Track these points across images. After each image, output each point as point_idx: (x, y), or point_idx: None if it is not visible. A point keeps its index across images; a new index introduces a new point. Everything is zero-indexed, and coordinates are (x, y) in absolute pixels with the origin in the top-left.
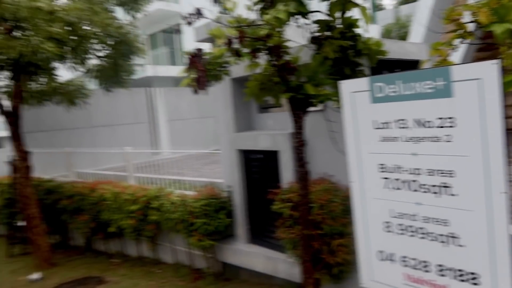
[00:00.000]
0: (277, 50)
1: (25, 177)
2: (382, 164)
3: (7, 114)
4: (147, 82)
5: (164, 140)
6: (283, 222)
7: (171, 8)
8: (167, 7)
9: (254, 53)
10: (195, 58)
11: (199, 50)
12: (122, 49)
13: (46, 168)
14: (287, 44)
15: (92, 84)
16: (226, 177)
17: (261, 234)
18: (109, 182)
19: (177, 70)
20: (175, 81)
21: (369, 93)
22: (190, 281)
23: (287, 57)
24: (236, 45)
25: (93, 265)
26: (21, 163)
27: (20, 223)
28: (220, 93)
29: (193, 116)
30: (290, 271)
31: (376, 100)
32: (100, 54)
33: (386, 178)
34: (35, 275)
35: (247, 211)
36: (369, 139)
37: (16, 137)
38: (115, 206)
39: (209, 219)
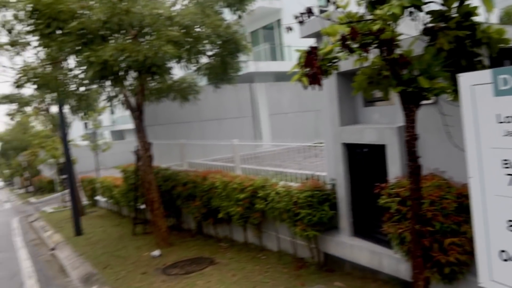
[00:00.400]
0: (389, 44)
1: (147, 165)
2: (506, 160)
3: (132, 109)
4: (249, 78)
5: (265, 134)
6: (390, 217)
7: (272, 5)
8: (269, 4)
9: (365, 48)
10: (311, 55)
11: (314, 48)
12: (230, 48)
13: (163, 157)
14: (399, 37)
15: (202, 81)
16: (330, 170)
17: (365, 228)
18: (219, 172)
19: (277, 66)
20: (276, 76)
21: (492, 85)
22: (293, 269)
23: (399, 51)
24: (348, 41)
25: (203, 247)
26: (144, 152)
27: (142, 206)
28: (325, 87)
29: (293, 110)
30: (396, 267)
31: (500, 93)
32: (210, 53)
33: (510, 174)
34: (156, 252)
35: (351, 204)
36: (491, 133)
37: (139, 129)
38: (224, 194)
39: (313, 210)
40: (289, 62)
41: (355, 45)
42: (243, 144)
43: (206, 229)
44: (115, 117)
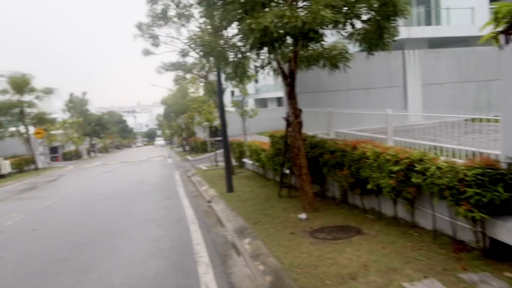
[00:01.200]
0: None
1: (297, 131)
2: None
3: (285, 76)
4: (399, 45)
5: (416, 105)
6: None
7: None
8: None
9: None
10: None
11: None
12: (388, 11)
13: (309, 125)
14: None
15: (352, 48)
16: (507, 147)
17: None
18: (370, 142)
19: (433, 31)
20: (430, 43)
21: None
22: (451, 251)
23: None
24: None
25: (348, 216)
26: (294, 119)
27: (287, 171)
28: (508, 53)
29: (451, 80)
30: None
31: None
32: (365, 17)
33: None
34: (302, 215)
35: None
36: None
37: (291, 96)
38: (375, 165)
39: (483, 190)
40: (448, 27)
41: None
42: (397, 114)
43: (351, 199)
44: (258, 86)
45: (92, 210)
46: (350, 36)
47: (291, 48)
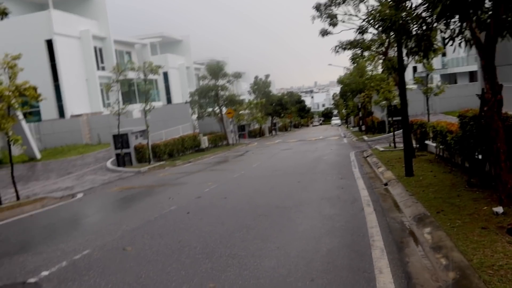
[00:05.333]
0: None
1: (495, 111)
2: None
3: (480, 47)
4: None
5: None
6: None
7: None
8: None
9: None
10: None
11: None
12: None
13: (510, 103)
14: None
15: None
16: None
17: None
18: None
19: None
20: None
21: None
22: None
23: None
24: None
25: None
26: (492, 96)
27: (479, 156)
28: None
29: None
30: None
31: None
32: None
33: None
34: (498, 208)
35: None
36: None
37: (488, 70)
38: None
39: None
40: None
41: None
42: None
43: None
44: (446, 59)
45: (272, 184)
46: None
47: (490, 13)
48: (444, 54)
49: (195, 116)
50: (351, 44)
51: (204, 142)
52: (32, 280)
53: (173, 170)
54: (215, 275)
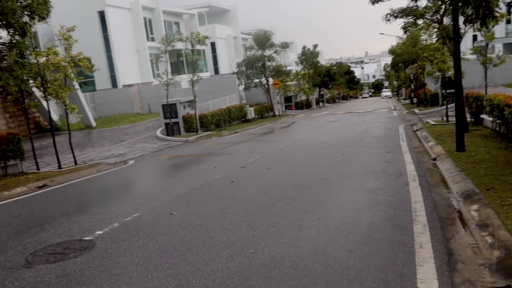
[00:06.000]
0: None
1: None
2: None
3: None
4: None
5: None
6: None
7: None
8: None
9: None
10: None
11: None
12: None
13: None
14: None
15: None
16: None
17: None
18: None
19: None
20: None
21: None
22: None
23: None
24: None
25: None
26: None
27: None
28: None
29: None
30: None
31: None
32: None
33: None
34: None
35: None
36: None
37: None
38: None
39: None
40: None
41: None
42: None
43: None
44: (510, 27)
45: (317, 156)
46: None
47: None
48: (508, 21)
49: (241, 87)
50: (403, 12)
51: (250, 113)
52: (87, 238)
53: (219, 140)
54: (255, 242)
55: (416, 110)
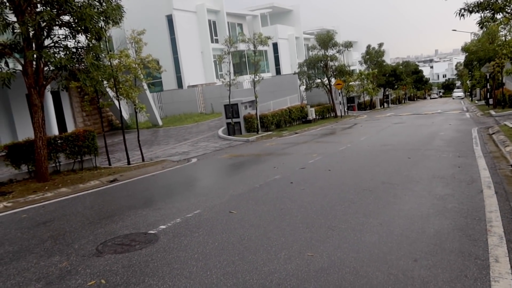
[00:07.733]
0: None
1: None
2: None
3: None
4: None
5: None
6: None
7: None
8: None
9: None
10: None
11: None
12: None
13: None
14: None
15: None
16: None
17: None
18: None
19: None
20: None
21: None
22: None
23: None
24: None
25: None
26: None
27: None
28: None
29: None
30: None
31: None
32: None
33: None
34: None
35: None
36: None
37: None
38: None
39: None
40: None
41: None
42: None
43: None
44: None
45: (380, 159)
46: None
47: None
48: None
49: (303, 87)
50: (479, 6)
51: (311, 113)
52: (152, 231)
53: (280, 140)
54: (314, 244)
55: (493, 112)
